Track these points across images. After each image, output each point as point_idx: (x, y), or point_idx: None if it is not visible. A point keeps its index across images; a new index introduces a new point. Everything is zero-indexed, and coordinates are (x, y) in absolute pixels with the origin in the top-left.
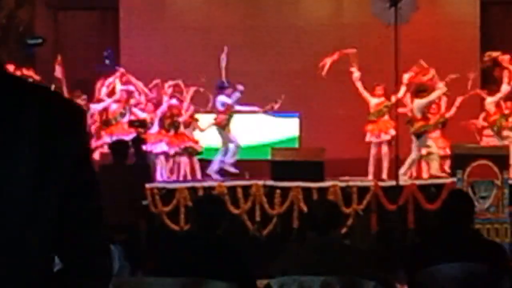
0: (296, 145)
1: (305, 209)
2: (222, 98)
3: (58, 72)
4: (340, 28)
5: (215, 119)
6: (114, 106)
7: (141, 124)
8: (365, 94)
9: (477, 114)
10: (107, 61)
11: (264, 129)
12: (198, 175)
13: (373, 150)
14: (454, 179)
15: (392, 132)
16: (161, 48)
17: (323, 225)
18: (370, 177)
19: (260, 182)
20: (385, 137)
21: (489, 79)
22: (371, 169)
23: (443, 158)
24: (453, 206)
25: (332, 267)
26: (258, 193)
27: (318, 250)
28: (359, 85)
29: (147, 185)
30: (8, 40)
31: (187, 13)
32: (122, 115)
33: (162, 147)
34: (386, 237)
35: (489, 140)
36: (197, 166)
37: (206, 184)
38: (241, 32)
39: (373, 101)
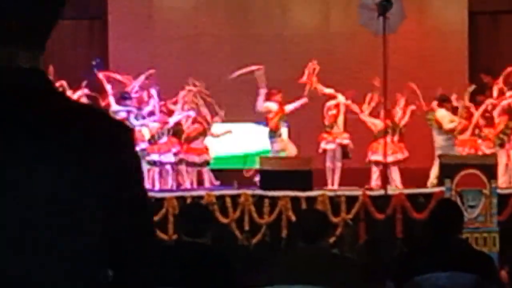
0: (285, 155)
1: (293, 218)
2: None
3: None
4: (327, 37)
5: None
6: (123, 114)
7: None
8: (370, 120)
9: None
10: (95, 70)
11: (252, 138)
12: (207, 184)
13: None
14: (443, 189)
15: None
16: (149, 57)
17: (312, 234)
18: (330, 186)
19: (249, 191)
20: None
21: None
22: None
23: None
24: (441, 215)
25: (320, 277)
26: (247, 202)
27: (306, 260)
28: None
29: None
30: None
31: (175, 23)
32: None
33: (170, 157)
34: (374, 246)
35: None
36: (206, 176)
37: (195, 193)
38: (228, 41)
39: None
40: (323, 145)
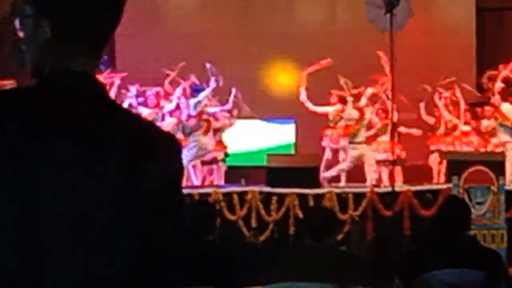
0: (292, 151)
1: (301, 215)
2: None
3: None
4: (333, 34)
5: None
6: (145, 112)
7: None
8: (319, 109)
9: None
10: (102, 68)
11: (260, 135)
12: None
13: (328, 156)
14: (450, 185)
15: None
16: (155, 54)
17: (319, 231)
18: (325, 184)
19: (256, 189)
20: (343, 142)
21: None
22: (325, 174)
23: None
24: (449, 212)
25: (328, 274)
26: (254, 200)
27: (314, 257)
28: (308, 105)
29: None
30: (2, 47)
31: (181, 20)
32: (154, 121)
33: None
34: (382, 243)
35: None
36: (221, 172)
37: (202, 190)
38: (234, 39)
39: (331, 109)
40: (325, 142)
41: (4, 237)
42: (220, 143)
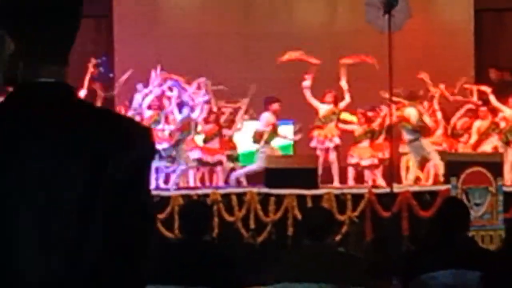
0: (291, 152)
1: (299, 216)
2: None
3: None
4: (333, 35)
5: None
6: (148, 113)
7: None
8: (314, 101)
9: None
10: (101, 69)
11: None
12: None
13: (320, 157)
14: (449, 186)
15: (337, 140)
16: (155, 55)
17: (318, 232)
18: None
19: (255, 190)
20: (330, 144)
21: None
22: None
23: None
24: (448, 214)
25: (327, 275)
26: (253, 201)
27: (313, 258)
28: (307, 93)
29: None
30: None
31: (181, 21)
32: (156, 122)
33: (197, 154)
34: (380, 244)
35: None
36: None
37: (200, 191)
38: (234, 40)
39: (323, 107)
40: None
41: None
42: (227, 144)
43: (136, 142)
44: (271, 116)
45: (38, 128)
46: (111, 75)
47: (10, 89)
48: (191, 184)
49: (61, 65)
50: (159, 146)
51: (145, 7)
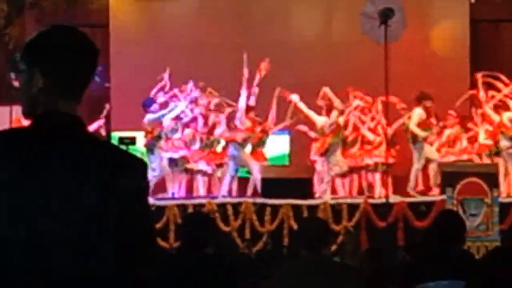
0: (287, 162)
1: (295, 226)
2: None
3: None
4: (330, 46)
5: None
6: (167, 122)
7: (131, 142)
8: (310, 114)
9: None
10: (97, 78)
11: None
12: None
13: (319, 168)
14: (444, 197)
15: None
16: (151, 65)
17: (313, 243)
18: (318, 195)
19: (250, 200)
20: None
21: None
22: (318, 188)
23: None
24: (444, 226)
25: (322, 285)
26: (248, 211)
27: (308, 268)
28: (303, 106)
29: None
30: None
31: (177, 30)
32: (174, 131)
33: (202, 165)
34: (376, 254)
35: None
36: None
37: (196, 201)
38: (230, 49)
39: (319, 119)
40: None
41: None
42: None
43: (135, 169)
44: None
45: (53, 151)
46: (107, 84)
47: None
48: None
49: (75, 102)
50: (175, 155)
51: (142, 17)
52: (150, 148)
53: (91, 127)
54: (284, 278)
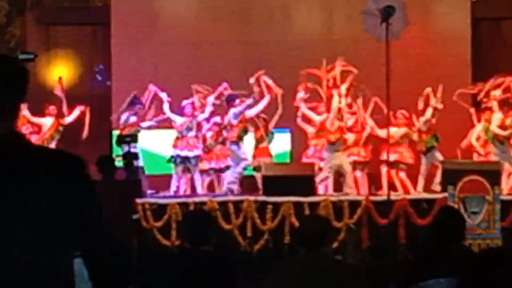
0: (288, 160)
1: (296, 224)
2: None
3: (58, 90)
4: (330, 43)
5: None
6: (180, 120)
7: (133, 139)
8: (310, 113)
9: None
10: (98, 77)
11: None
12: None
13: (318, 165)
14: (446, 195)
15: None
16: (152, 63)
17: (314, 241)
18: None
19: (252, 198)
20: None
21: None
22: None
23: None
24: (444, 224)
25: (323, 283)
26: (250, 209)
27: (309, 266)
28: (303, 106)
29: (139, 200)
30: None
31: (178, 28)
32: (188, 129)
33: (209, 164)
34: (377, 251)
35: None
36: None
37: (197, 199)
38: (231, 47)
39: (318, 118)
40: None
41: None
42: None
43: (74, 167)
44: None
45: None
46: (108, 83)
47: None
48: (199, 191)
49: (10, 120)
50: (190, 153)
51: (143, 15)
52: None
53: (72, 115)
54: (284, 276)
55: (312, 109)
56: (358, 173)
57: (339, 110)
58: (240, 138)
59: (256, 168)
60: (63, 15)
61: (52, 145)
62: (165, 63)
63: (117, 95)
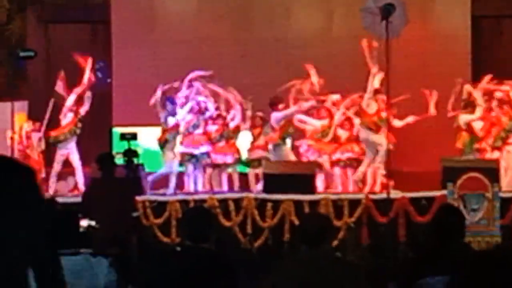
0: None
1: (296, 222)
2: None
3: (59, 87)
4: (330, 41)
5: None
6: (188, 117)
7: (133, 137)
8: (309, 120)
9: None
10: (99, 74)
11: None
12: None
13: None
14: (445, 192)
15: (325, 157)
16: (152, 60)
17: (314, 238)
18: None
19: (252, 195)
20: (313, 157)
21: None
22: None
23: None
24: (443, 221)
25: (323, 281)
26: (250, 206)
27: (309, 264)
28: (302, 116)
29: (139, 198)
30: None
31: (178, 26)
32: (195, 126)
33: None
34: (377, 249)
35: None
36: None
37: (197, 196)
38: (231, 45)
39: (318, 123)
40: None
41: None
42: (231, 146)
43: (21, 172)
44: None
45: None
46: (108, 80)
47: None
48: (199, 188)
49: None
50: (196, 151)
51: (143, 12)
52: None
53: (86, 103)
54: (284, 274)
55: (313, 115)
56: (349, 171)
57: (376, 91)
58: (282, 140)
59: (249, 163)
60: (63, 13)
61: (74, 140)
62: (165, 60)
63: (117, 92)
